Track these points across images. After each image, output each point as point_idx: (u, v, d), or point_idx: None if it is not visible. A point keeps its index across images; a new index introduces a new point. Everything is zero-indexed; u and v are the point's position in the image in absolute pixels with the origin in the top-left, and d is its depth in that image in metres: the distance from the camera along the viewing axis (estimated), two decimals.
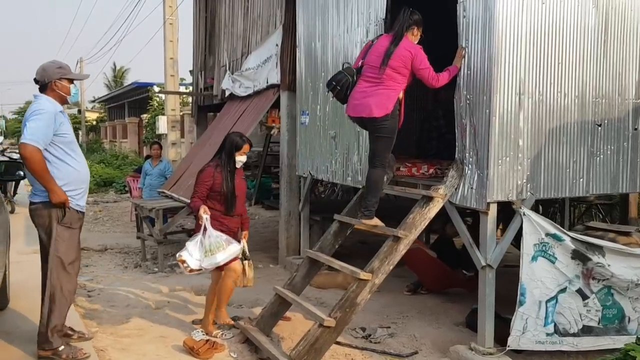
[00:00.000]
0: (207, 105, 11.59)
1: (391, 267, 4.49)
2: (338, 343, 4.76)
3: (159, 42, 15.40)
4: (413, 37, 4.69)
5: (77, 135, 38.30)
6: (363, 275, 4.35)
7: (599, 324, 4.68)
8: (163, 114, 18.70)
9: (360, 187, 5.60)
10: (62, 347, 4.14)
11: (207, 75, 11.01)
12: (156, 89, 24.22)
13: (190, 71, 18.71)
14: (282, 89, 7.59)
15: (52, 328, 4.09)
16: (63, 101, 4.24)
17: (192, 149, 10.21)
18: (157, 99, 23.22)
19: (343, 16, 6.11)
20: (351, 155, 5.97)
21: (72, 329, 4.54)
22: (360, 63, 4.79)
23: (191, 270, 4.67)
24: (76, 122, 38.03)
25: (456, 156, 4.64)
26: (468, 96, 4.48)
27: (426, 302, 6.17)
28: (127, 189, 12.71)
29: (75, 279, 4.28)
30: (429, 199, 4.58)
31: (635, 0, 4.84)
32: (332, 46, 6.35)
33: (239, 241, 4.97)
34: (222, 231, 4.80)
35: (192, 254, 4.63)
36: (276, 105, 7.93)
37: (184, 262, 4.64)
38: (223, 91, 9.67)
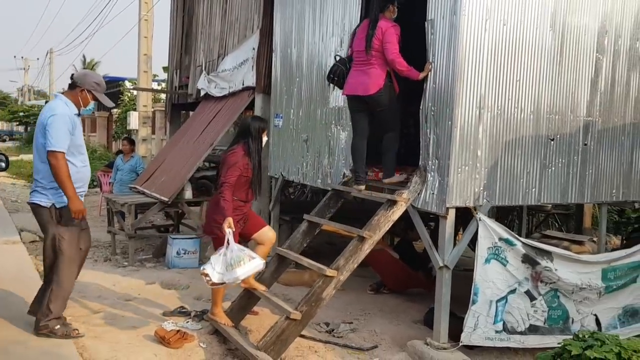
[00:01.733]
0: (181, 104, 11.72)
1: (355, 265, 4.77)
2: (303, 336, 5.01)
3: (130, 36, 15.44)
4: (390, 13, 5.19)
5: None
6: (329, 272, 4.62)
7: (544, 323, 5.05)
8: (134, 110, 18.66)
9: (330, 189, 5.87)
10: (58, 326, 4.51)
11: (183, 74, 11.15)
12: (128, 84, 24.12)
13: (163, 68, 18.79)
14: (257, 91, 7.81)
15: (53, 316, 4.45)
16: (78, 106, 4.50)
17: (166, 146, 10.34)
18: (129, 94, 23.10)
19: (319, 25, 6.38)
20: (322, 159, 6.24)
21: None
22: (350, 51, 5.34)
23: (213, 284, 4.61)
24: None
25: (420, 163, 4.96)
26: (433, 108, 4.81)
27: (387, 301, 6.48)
28: (95, 183, 12.71)
29: (77, 274, 4.65)
30: (393, 202, 4.89)
31: (589, 24, 5.24)
32: (307, 53, 6.61)
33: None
34: (237, 221, 4.81)
35: (214, 267, 4.55)
36: (250, 106, 8.15)
37: (206, 275, 4.56)
38: (198, 91, 9.84)
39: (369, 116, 5.24)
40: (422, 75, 4.88)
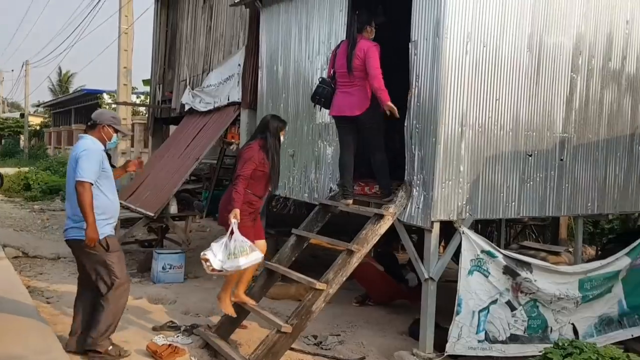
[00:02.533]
0: (164, 118, 11.78)
1: (344, 279, 4.91)
2: (292, 349, 5.12)
3: (109, 48, 15.45)
4: (368, 34, 5.34)
5: (19, 141, 37.18)
6: (319, 285, 4.75)
7: (524, 333, 5.24)
8: None
9: (317, 203, 6.00)
10: (110, 347, 4.72)
11: (166, 89, 11.22)
12: (106, 96, 24.02)
13: (143, 81, 18.78)
14: (243, 107, 7.93)
15: (107, 335, 4.67)
16: (103, 142, 4.75)
17: (150, 160, 10.38)
18: (107, 107, 23.00)
19: (305, 43, 6.55)
20: (308, 173, 6.38)
21: None
22: (332, 71, 5.45)
23: (213, 270, 4.73)
24: (19, 127, 36.88)
25: (405, 178, 5.13)
26: (417, 125, 4.99)
27: (373, 313, 6.62)
28: None
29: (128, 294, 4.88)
30: (380, 216, 5.04)
31: (564, 44, 5.49)
32: (293, 70, 6.77)
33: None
34: (250, 213, 4.94)
35: (216, 255, 4.69)
36: (236, 121, 8.28)
37: (207, 260, 4.71)
38: (182, 105, 9.92)
39: (355, 132, 5.38)
40: (390, 104, 5.00)
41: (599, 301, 5.73)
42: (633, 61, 5.97)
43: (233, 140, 8.40)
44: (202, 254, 4.80)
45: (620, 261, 5.87)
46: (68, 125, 31.81)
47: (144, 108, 22.12)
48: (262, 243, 5.18)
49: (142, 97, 23.95)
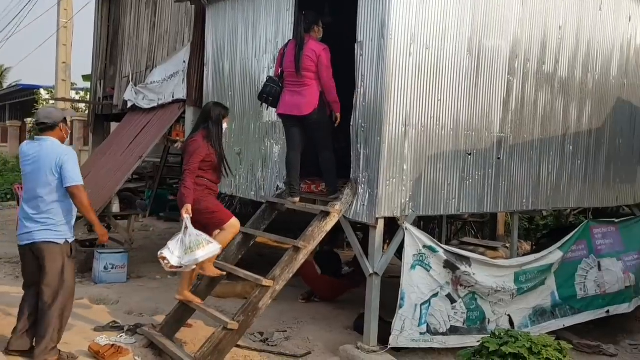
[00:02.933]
0: (105, 115, 11.48)
1: (290, 275, 4.96)
2: (238, 346, 5.13)
3: (47, 43, 14.95)
4: (316, 34, 5.39)
5: None
6: (265, 282, 4.78)
7: (464, 324, 5.45)
8: None
9: (264, 201, 6.03)
10: (60, 352, 4.63)
11: (107, 85, 10.94)
12: (43, 92, 23.14)
13: (83, 76, 18.24)
14: (188, 104, 7.85)
15: (57, 342, 4.56)
16: (62, 142, 4.66)
17: (92, 158, 10.09)
18: (44, 103, 22.16)
19: (252, 41, 6.55)
20: (255, 172, 6.40)
21: None
22: (279, 70, 5.47)
23: (172, 267, 4.71)
24: None
25: (351, 176, 5.24)
26: (363, 125, 5.11)
27: (319, 309, 6.71)
28: (9, 196, 12.18)
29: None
30: (327, 214, 5.13)
31: (502, 48, 5.74)
32: (240, 68, 6.76)
33: None
34: (214, 194, 4.97)
35: (173, 252, 4.67)
36: (181, 119, 8.18)
37: (164, 259, 4.67)
38: (125, 102, 9.71)
39: (302, 131, 5.45)
40: (338, 115, 5.29)
41: (533, 293, 6.03)
42: (565, 65, 6.29)
43: (178, 138, 8.31)
44: (159, 252, 4.77)
45: (553, 255, 6.20)
46: (2, 121, 30.41)
47: (84, 105, 21.43)
48: (235, 221, 5.12)
49: (82, 93, 23.19)
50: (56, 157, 4.45)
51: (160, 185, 14.21)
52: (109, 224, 8.26)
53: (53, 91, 16.60)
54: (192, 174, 4.83)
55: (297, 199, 5.51)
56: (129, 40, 10.14)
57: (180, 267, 4.73)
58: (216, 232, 4.96)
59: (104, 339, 5.09)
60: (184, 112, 8.03)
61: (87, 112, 15.21)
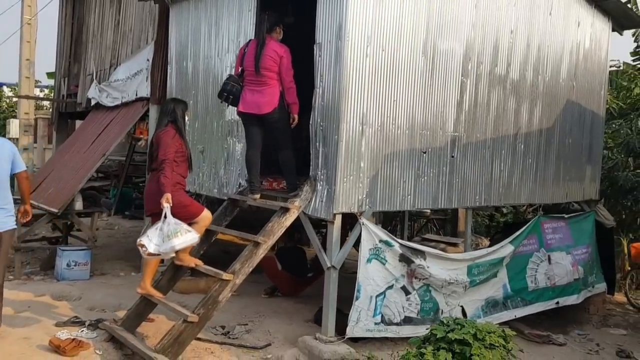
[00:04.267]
0: (69, 113, 11.40)
1: (250, 269, 5.10)
2: (199, 339, 5.24)
3: (11, 40, 14.68)
4: (277, 35, 5.55)
5: None
6: (225, 276, 4.91)
7: (417, 315, 5.67)
8: (14, 117, 17.65)
9: (226, 198, 6.15)
10: None
11: (71, 82, 10.88)
12: (6, 89, 22.67)
13: (47, 74, 17.95)
14: (152, 102, 7.90)
15: None
16: None
17: (55, 155, 10.03)
18: (7, 101, 21.73)
19: (215, 40, 6.66)
20: (218, 169, 6.51)
21: None
22: (240, 69, 5.56)
23: (149, 254, 4.86)
24: None
25: (310, 173, 5.40)
26: (321, 123, 5.28)
27: (281, 304, 6.86)
28: None
29: None
30: (286, 210, 5.28)
31: (456, 50, 5.97)
32: (203, 66, 6.85)
33: None
34: (183, 189, 5.12)
35: (151, 239, 4.81)
36: (144, 117, 8.23)
37: (143, 245, 4.82)
38: (88, 100, 9.68)
39: (262, 129, 5.58)
40: (296, 116, 5.46)
41: (485, 285, 6.29)
42: (517, 67, 6.58)
43: (142, 136, 8.36)
44: (138, 240, 4.96)
45: (504, 249, 6.48)
46: None
47: (48, 102, 21.06)
48: (207, 213, 5.28)
49: (47, 90, 22.79)
50: (11, 151, 4.95)
51: (126, 184, 14.15)
52: (71, 222, 8.25)
53: (16, 88, 16.30)
54: (171, 163, 4.95)
55: (257, 196, 5.64)
56: (93, 38, 10.11)
57: (158, 254, 4.91)
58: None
59: (65, 334, 5.14)
60: (147, 110, 8.07)
61: (50, 110, 15.01)
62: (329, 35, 5.22)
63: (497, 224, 12.54)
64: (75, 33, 10.86)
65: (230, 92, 5.50)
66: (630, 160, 9.07)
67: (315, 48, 5.35)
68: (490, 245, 7.85)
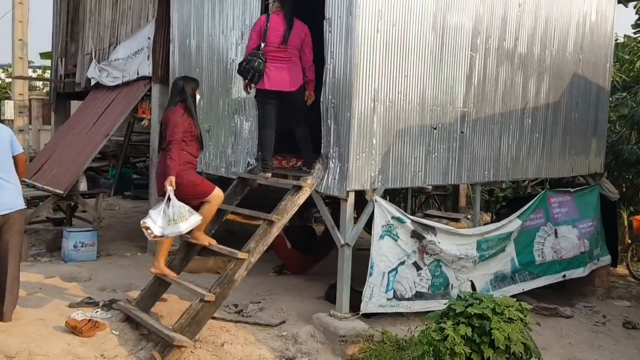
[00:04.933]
0: (67, 93, 11.26)
1: (265, 248, 5.10)
2: (214, 318, 5.26)
3: (3, 20, 14.41)
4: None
5: None
6: (241, 254, 4.92)
7: (428, 290, 5.72)
8: (8, 98, 17.43)
9: (234, 177, 6.12)
10: None
11: (69, 62, 10.72)
12: None
13: (40, 54, 17.67)
14: (154, 81, 7.81)
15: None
16: None
17: (56, 136, 9.93)
18: (1, 82, 21.45)
19: (219, 17, 6.56)
20: (226, 148, 6.47)
21: None
22: (260, 44, 5.39)
23: (154, 237, 4.84)
24: None
25: (322, 151, 5.38)
26: (333, 100, 5.24)
27: (290, 281, 6.90)
28: None
29: None
30: (299, 188, 5.27)
31: (465, 25, 5.91)
32: (207, 44, 6.77)
33: None
34: (194, 168, 5.12)
35: (155, 222, 4.78)
36: (147, 96, 8.13)
37: (147, 228, 4.80)
38: (88, 79, 9.56)
39: (278, 108, 5.52)
40: (312, 93, 5.50)
41: (494, 259, 6.34)
42: (524, 41, 6.53)
43: (144, 116, 8.26)
44: (142, 221, 4.91)
45: (512, 223, 6.51)
46: None
47: (41, 83, 20.82)
48: (219, 191, 5.25)
49: (39, 71, 22.48)
50: (8, 135, 5.01)
51: (124, 164, 14.07)
52: (75, 203, 8.22)
53: (9, 69, 16.05)
54: (178, 145, 4.91)
55: (269, 174, 5.62)
56: (91, 16, 9.93)
57: (163, 236, 4.89)
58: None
59: (80, 315, 5.14)
60: (149, 90, 7.98)
61: (45, 90, 14.85)
62: (340, 10, 5.15)
63: (496, 199, 12.61)
64: (72, 12, 10.66)
65: (257, 70, 5.31)
66: (633, 134, 9.09)
67: (325, 24, 5.29)
68: (495, 220, 7.93)
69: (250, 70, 5.34)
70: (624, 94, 9.75)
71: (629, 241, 9.54)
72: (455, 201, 11.28)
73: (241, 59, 6.14)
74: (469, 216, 9.37)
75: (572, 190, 7.45)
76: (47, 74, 18.48)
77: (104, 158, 14.46)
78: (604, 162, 7.97)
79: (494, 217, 9.79)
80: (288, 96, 5.41)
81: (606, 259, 7.76)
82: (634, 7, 10.74)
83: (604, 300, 7.62)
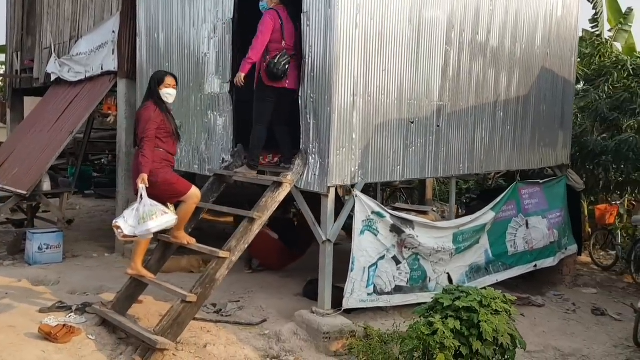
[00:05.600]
0: (24, 89, 10.81)
1: (246, 246, 5.02)
2: (194, 319, 5.13)
3: None
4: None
5: None
6: (222, 253, 4.81)
7: (407, 283, 5.75)
8: None
9: (209, 174, 5.99)
10: None
11: (25, 57, 10.28)
12: None
13: None
14: (120, 76, 7.56)
15: None
16: None
17: (15, 134, 9.50)
18: None
19: (189, 10, 6.38)
20: (199, 145, 6.32)
21: None
22: (283, 44, 5.30)
23: (125, 236, 4.68)
24: None
25: (301, 147, 5.31)
26: (312, 95, 5.17)
27: (266, 278, 6.81)
28: None
29: None
30: (279, 184, 5.19)
31: (440, 18, 5.93)
32: (177, 39, 6.58)
33: None
34: (171, 166, 4.96)
35: (127, 221, 4.64)
36: (113, 92, 7.87)
37: (118, 227, 4.65)
38: (48, 75, 9.18)
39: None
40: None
41: (469, 251, 6.41)
42: (496, 35, 6.60)
43: (110, 112, 7.99)
44: (114, 221, 4.76)
45: (486, 215, 6.60)
46: None
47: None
48: (196, 190, 5.12)
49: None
50: None
51: (84, 162, 13.63)
52: (38, 203, 7.90)
53: None
54: (150, 142, 4.78)
55: (255, 172, 5.52)
56: (49, 9, 9.53)
57: (135, 236, 4.73)
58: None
59: (53, 320, 4.95)
60: (115, 85, 7.73)
61: (1, 86, 14.21)
62: (318, 3, 5.08)
63: (460, 191, 12.80)
64: (27, 5, 10.22)
65: (285, 73, 5.23)
66: (596, 125, 9.35)
67: (302, 17, 5.21)
68: (466, 212, 8.03)
69: (282, 75, 5.23)
70: (584, 86, 10.02)
71: (589, 230, 9.83)
72: (422, 194, 11.38)
73: (214, 53, 6.04)
74: (434, 209, 9.48)
75: (541, 181, 7.61)
76: (2, 70, 17.73)
77: (62, 156, 13.98)
78: (570, 154, 8.17)
79: (461, 209, 9.95)
80: (287, 94, 5.32)
81: (573, 248, 7.97)
82: (590, 2, 11.05)
83: (572, 288, 7.83)
